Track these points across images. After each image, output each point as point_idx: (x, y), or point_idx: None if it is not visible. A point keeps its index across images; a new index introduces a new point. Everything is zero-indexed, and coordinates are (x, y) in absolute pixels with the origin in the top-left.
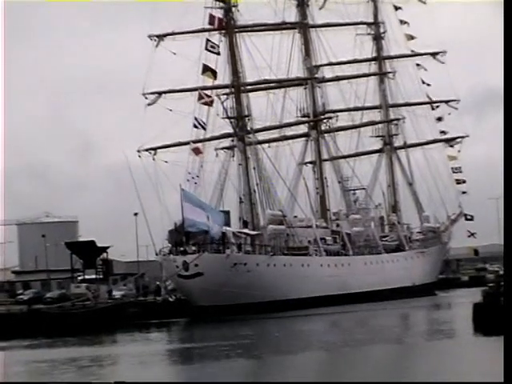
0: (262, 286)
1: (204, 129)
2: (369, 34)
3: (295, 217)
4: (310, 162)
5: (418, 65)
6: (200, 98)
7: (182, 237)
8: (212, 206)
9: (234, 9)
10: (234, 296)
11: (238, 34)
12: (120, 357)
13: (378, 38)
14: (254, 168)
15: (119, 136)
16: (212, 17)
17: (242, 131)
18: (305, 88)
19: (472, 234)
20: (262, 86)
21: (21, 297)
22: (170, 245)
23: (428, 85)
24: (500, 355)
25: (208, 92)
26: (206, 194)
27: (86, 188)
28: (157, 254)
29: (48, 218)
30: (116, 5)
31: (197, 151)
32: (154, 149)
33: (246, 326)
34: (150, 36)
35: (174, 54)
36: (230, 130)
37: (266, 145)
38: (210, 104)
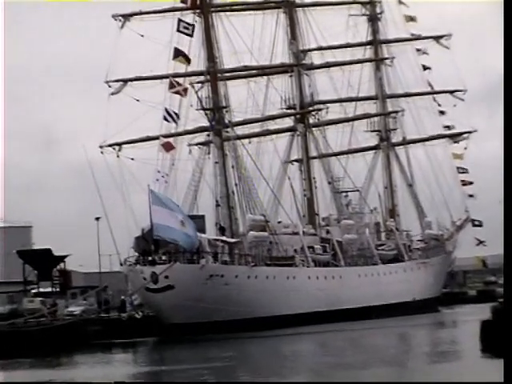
0: (242, 301)
1: (175, 122)
2: (363, 14)
3: (279, 222)
4: (297, 160)
5: (418, 50)
6: (171, 86)
7: (150, 245)
8: (184, 210)
9: None
10: (210, 312)
11: (214, 14)
12: (80, 381)
13: (373, 20)
14: (233, 166)
15: (82, 130)
16: None
17: (218, 124)
18: (290, 76)
19: (481, 242)
20: (242, 73)
21: None
22: (136, 254)
23: (429, 69)
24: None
25: (180, 80)
26: (177, 195)
27: (43, 189)
28: (121, 265)
29: None
30: None
31: (167, 147)
32: (119, 144)
33: (224, 347)
34: (114, 16)
35: (142, 36)
36: (206, 124)
37: (247, 140)
38: (182, 93)
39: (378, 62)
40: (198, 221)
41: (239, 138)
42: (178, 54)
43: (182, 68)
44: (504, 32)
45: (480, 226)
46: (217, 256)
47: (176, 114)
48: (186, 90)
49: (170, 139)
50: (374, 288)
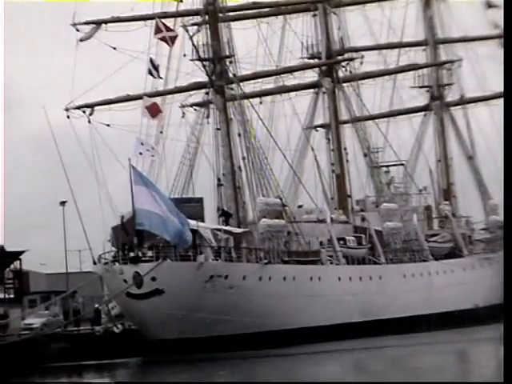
0: (252, 310)
1: (161, 77)
2: None
3: (300, 207)
4: (322, 126)
5: None
6: (158, 30)
7: (131, 237)
8: (174, 192)
9: None
10: (210, 325)
11: None
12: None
13: None
14: (239, 135)
15: (42, 88)
16: None
17: (220, 80)
18: (314, 15)
19: None
20: (251, 12)
21: None
22: (114, 249)
23: (495, 7)
24: None
25: (170, 22)
26: (167, 173)
27: None
28: (95, 263)
29: None
30: None
31: (153, 110)
32: (90, 106)
33: (228, 369)
34: None
35: None
36: (204, 79)
37: (257, 100)
38: (172, 40)
39: None
40: (195, 205)
41: (247, 96)
42: None
43: (172, 6)
44: (504, 31)
45: None
46: (219, 251)
47: (164, 66)
48: (174, 37)
49: (157, 99)
50: (423, 292)
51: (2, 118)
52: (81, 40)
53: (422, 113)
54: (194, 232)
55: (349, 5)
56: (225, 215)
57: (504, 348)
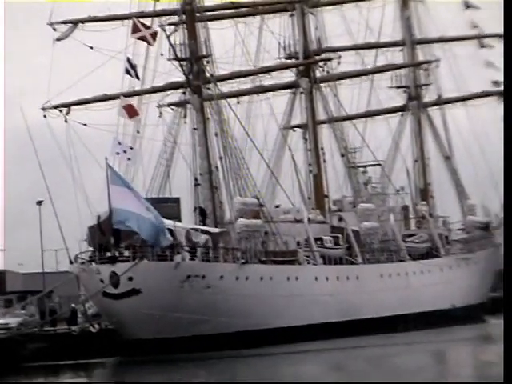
0: (229, 310)
1: (138, 78)
2: None
3: (277, 207)
4: (300, 126)
5: None
6: (135, 29)
7: (108, 237)
8: (151, 192)
9: None
10: (187, 324)
11: None
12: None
13: None
14: (217, 134)
15: (19, 87)
16: None
17: (197, 79)
18: (291, 15)
19: None
20: (228, 11)
21: None
22: (90, 248)
23: (473, 7)
24: None
25: (147, 21)
26: (144, 172)
27: None
28: (71, 263)
29: None
30: None
31: (130, 110)
32: (67, 105)
33: (205, 369)
34: None
35: None
36: (181, 78)
37: (235, 100)
38: (153, 37)
39: None
40: (172, 205)
41: (224, 96)
42: None
43: (148, 6)
44: (504, 32)
45: None
46: (195, 251)
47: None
48: (154, 34)
49: (134, 99)
50: (400, 292)
51: None
52: (57, 39)
53: (400, 113)
54: (171, 232)
55: (326, 5)
56: (201, 215)
57: (504, 348)
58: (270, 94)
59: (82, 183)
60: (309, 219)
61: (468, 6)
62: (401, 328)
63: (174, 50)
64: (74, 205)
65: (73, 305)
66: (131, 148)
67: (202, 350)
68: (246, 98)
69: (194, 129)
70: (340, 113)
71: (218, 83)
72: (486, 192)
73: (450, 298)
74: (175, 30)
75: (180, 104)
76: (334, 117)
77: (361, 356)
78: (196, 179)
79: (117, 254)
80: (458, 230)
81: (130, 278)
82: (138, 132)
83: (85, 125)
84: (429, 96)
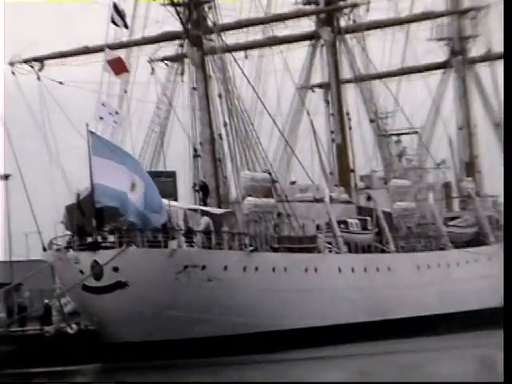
0: (235, 307)
1: (126, 27)
2: None
3: (293, 183)
4: (320, 86)
5: None
6: None
7: (90, 218)
8: (144, 164)
9: None
10: (185, 325)
11: None
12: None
13: None
14: (220, 96)
15: None
16: None
17: (197, 29)
18: None
19: None
20: None
21: None
22: (68, 232)
23: None
24: None
25: None
26: (133, 141)
27: None
28: (45, 250)
29: None
30: None
31: (117, 65)
32: (40, 59)
33: (207, 379)
34: None
35: None
36: (177, 28)
37: (242, 54)
38: None
39: None
40: (166, 181)
41: (230, 49)
42: None
43: None
44: (504, 32)
45: None
46: (193, 236)
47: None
48: None
49: (121, 52)
50: (441, 286)
51: None
52: None
53: (441, 70)
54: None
55: None
56: (202, 191)
57: (504, 348)
58: (284, 46)
59: (58, 154)
60: (331, 198)
61: None
62: (441, 330)
63: None
64: (48, 180)
65: (46, 300)
66: (117, 112)
67: (203, 355)
68: (255, 51)
69: (193, 89)
70: (369, 70)
71: (222, 33)
72: None
73: (500, 294)
74: None
75: (176, 58)
76: (361, 75)
77: (393, 363)
78: (195, 150)
79: (99, 238)
80: None
81: (116, 269)
82: (125, 92)
83: (61, 83)
84: (476, 50)
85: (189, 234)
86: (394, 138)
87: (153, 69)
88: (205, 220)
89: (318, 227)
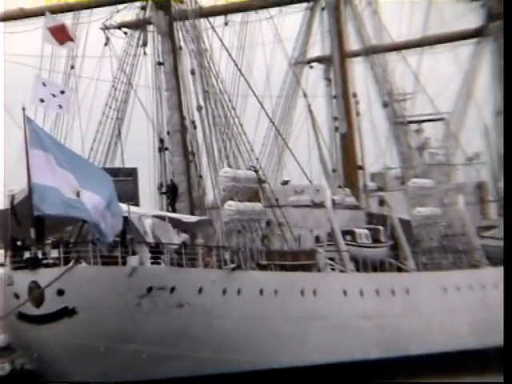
0: (212, 340)
1: None
2: None
3: (285, 183)
4: (320, 60)
5: None
6: None
7: (27, 228)
8: (93, 160)
9: None
10: (149, 362)
11: None
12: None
13: None
14: (193, 72)
15: None
16: None
17: None
18: None
19: None
20: None
21: None
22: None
23: None
24: None
25: None
26: (82, 130)
27: None
28: None
29: None
30: None
31: (61, 33)
32: None
33: None
34: None
35: None
36: None
37: (221, 20)
38: None
39: None
40: (124, 181)
41: (205, 14)
42: None
43: None
44: (504, 32)
45: None
46: (160, 250)
47: None
48: None
49: (67, 17)
50: (474, 314)
51: None
52: None
53: (474, 40)
54: (124, 221)
55: None
56: (170, 193)
57: (504, 348)
58: (274, 10)
59: None
60: (334, 202)
61: None
62: (475, 369)
63: None
64: None
65: None
66: (63, 92)
67: None
68: (238, 16)
69: (159, 63)
70: (382, 40)
71: None
72: None
73: None
74: None
75: (137, 25)
76: (372, 46)
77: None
78: (162, 141)
79: (40, 254)
80: None
81: (61, 292)
82: (71, 68)
83: None
84: None
85: (156, 248)
86: (414, 127)
87: (107, 38)
88: (183, 237)
89: (317, 239)
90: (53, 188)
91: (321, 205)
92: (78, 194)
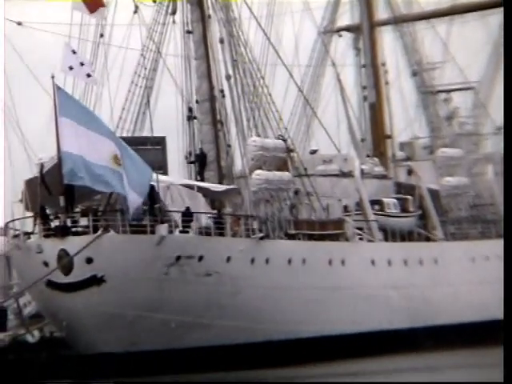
0: (240, 309)
1: None
2: None
3: (313, 152)
4: (348, 29)
5: None
6: None
7: (56, 196)
8: (122, 129)
9: None
10: (177, 331)
11: None
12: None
13: None
14: (222, 41)
15: None
16: None
17: None
18: None
19: None
20: None
21: None
22: (28, 214)
23: None
24: None
25: None
26: (111, 99)
27: None
28: None
29: None
30: None
31: (90, 1)
32: None
33: None
34: None
35: None
36: None
37: None
38: None
39: None
40: (153, 149)
41: None
42: None
43: None
44: (504, 32)
45: None
46: (190, 219)
47: None
48: None
49: None
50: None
51: None
52: None
53: (501, 8)
54: (152, 190)
55: None
56: (199, 162)
57: (504, 348)
58: None
59: (16, 114)
60: (362, 172)
61: None
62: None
63: None
64: (1, 146)
65: (0, 300)
66: (91, 63)
67: (199, 369)
68: None
69: (188, 32)
70: (411, 9)
71: None
72: None
73: None
74: None
75: None
76: (401, 15)
77: (445, 381)
78: (190, 109)
79: (69, 222)
80: None
81: (89, 260)
82: (101, 36)
83: (19, 24)
84: None
85: (187, 216)
86: (443, 96)
87: (136, 6)
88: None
89: (345, 208)
90: (79, 157)
91: (349, 174)
92: (116, 158)
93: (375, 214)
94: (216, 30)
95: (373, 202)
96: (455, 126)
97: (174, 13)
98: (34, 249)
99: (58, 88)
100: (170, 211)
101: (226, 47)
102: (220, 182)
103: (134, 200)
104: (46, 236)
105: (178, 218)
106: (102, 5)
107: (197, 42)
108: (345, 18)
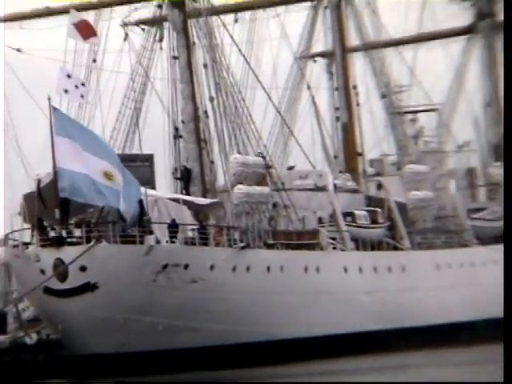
0: (223, 313)
1: None
2: None
3: (291, 168)
4: (323, 55)
5: None
6: None
7: (52, 209)
8: (112, 147)
9: None
10: (164, 333)
11: None
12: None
13: None
14: (206, 66)
15: None
16: None
17: None
18: None
19: None
20: None
21: None
22: (26, 226)
23: None
24: None
25: None
26: (103, 118)
27: None
28: None
29: None
30: None
31: (85, 29)
32: None
33: None
34: None
35: None
36: None
37: (231, 17)
38: None
39: None
40: (141, 166)
41: (217, 11)
42: None
43: None
44: (504, 32)
45: None
46: (175, 230)
47: None
48: None
49: (89, 14)
50: (465, 290)
51: None
52: None
53: (465, 36)
54: (140, 203)
55: None
56: (184, 179)
57: (504, 348)
58: (281, 8)
59: (16, 133)
60: (335, 186)
61: None
62: (465, 340)
63: None
64: (2, 163)
65: (1, 306)
66: (83, 84)
67: (186, 369)
68: (247, 13)
69: (174, 58)
70: (380, 36)
71: None
72: None
73: None
74: None
75: (154, 22)
76: (371, 42)
77: (410, 380)
78: (176, 129)
79: (64, 233)
80: None
81: (83, 268)
82: (94, 61)
83: (18, 50)
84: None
85: (174, 227)
86: (410, 116)
87: (126, 34)
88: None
89: (320, 220)
90: (82, 174)
91: (323, 188)
92: (107, 175)
93: (347, 225)
94: (200, 56)
95: (345, 214)
96: (421, 144)
97: (161, 40)
98: (31, 258)
99: (54, 109)
100: (157, 223)
101: (209, 71)
102: (204, 196)
103: (129, 210)
104: (43, 246)
105: (161, 229)
106: (95, 34)
107: (182, 67)
108: (319, 45)
